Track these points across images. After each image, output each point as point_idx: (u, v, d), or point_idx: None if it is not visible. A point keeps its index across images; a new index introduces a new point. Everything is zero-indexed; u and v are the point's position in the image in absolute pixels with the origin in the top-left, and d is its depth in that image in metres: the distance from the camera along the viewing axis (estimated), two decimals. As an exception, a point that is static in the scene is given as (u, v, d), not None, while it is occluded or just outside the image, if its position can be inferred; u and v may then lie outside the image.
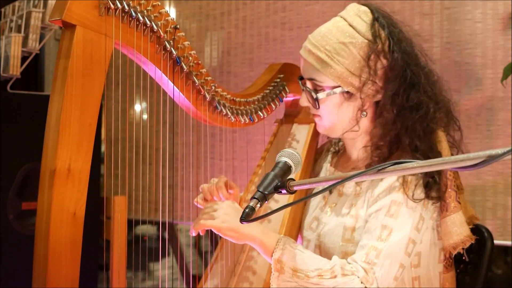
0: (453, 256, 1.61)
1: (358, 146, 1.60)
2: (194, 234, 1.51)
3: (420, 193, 1.45)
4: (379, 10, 1.56)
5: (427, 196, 1.46)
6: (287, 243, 1.44)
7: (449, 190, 1.52)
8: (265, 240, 1.45)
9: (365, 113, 1.54)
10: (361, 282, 1.37)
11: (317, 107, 1.54)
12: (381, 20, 1.53)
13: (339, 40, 1.50)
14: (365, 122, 1.56)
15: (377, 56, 1.49)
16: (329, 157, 1.74)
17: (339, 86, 1.51)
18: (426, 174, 1.46)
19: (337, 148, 1.73)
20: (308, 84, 1.56)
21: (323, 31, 1.54)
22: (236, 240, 1.47)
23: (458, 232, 1.56)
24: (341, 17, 1.55)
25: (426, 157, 1.46)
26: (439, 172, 1.48)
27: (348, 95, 1.52)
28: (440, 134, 1.55)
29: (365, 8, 1.55)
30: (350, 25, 1.51)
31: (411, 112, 1.51)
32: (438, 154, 1.51)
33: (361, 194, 1.52)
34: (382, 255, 1.39)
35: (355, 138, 1.60)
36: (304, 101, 1.58)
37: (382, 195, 1.46)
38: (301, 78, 1.61)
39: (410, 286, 1.52)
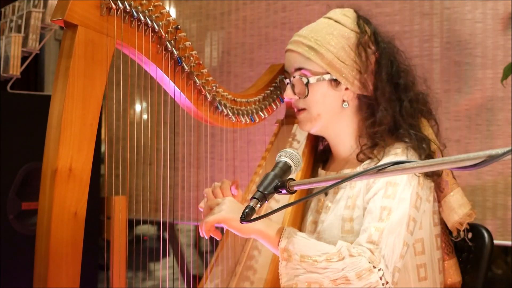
0: (454, 236, 1.65)
1: (344, 141, 1.64)
2: (206, 237, 1.50)
3: None
4: (360, 12, 1.66)
5: (427, 175, 1.52)
6: (292, 232, 1.46)
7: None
8: (269, 232, 1.46)
9: (346, 103, 1.60)
10: (369, 262, 1.38)
11: (307, 93, 1.58)
12: (363, 17, 1.64)
13: (327, 32, 1.59)
14: (349, 114, 1.61)
15: (365, 46, 1.57)
16: (320, 164, 1.77)
17: (328, 73, 1.57)
18: (420, 149, 1.53)
19: (325, 157, 1.77)
20: (296, 74, 1.60)
21: (311, 26, 1.64)
22: (242, 233, 1.48)
23: (462, 206, 1.60)
24: (327, 17, 1.65)
25: (412, 136, 1.55)
26: (431, 149, 1.56)
27: (336, 83, 1.58)
28: (424, 121, 1.64)
29: (348, 9, 1.65)
30: (337, 21, 1.61)
31: (400, 100, 1.60)
32: (426, 138, 1.58)
33: (356, 185, 1.55)
34: (385, 234, 1.41)
35: (340, 132, 1.63)
36: (289, 94, 1.63)
37: (377, 179, 1.48)
38: (283, 78, 1.67)
39: (415, 274, 1.53)
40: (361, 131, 1.61)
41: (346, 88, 1.58)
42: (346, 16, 1.62)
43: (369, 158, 1.57)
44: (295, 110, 1.66)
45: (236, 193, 1.61)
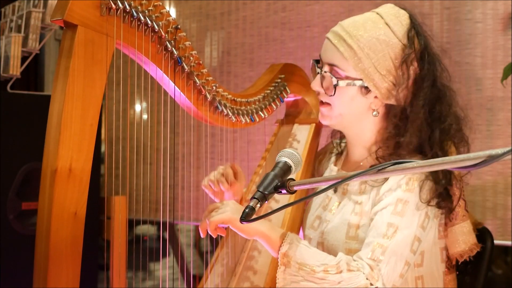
0: (453, 263, 1.62)
1: (361, 144, 1.59)
2: (214, 235, 1.49)
3: (428, 196, 1.45)
4: (416, 18, 1.55)
5: (439, 206, 1.48)
6: (294, 238, 1.45)
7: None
8: (272, 235, 1.45)
9: (376, 112, 1.53)
10: (367, 279, 1.37)
11: (333, 93, 1.51)
12: (417, 28, 1.53)
13: (373, 35, 1.49)
14: (374, 121, 1.55)
15: (409, 61, 1.48)
16: (332, 158, 1.73)
17: (360, 80, 1.49)
18: (438, 184, 1.47)
19: (340, 149, 1.73)
20: (327, 68, 1.53)
21: (358, 21, 1.52)
22: (246, 234, 1.47)
23: (466, 240, 1.58)
24: (378, 14, 1.53)
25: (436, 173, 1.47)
26: (450, 183, 1.49)
27: (366, 90, 1.51)
28: (452, 146, 1.56)
29: (404, 12, 1.54)
30: (387, 24, 1.50)
31: (432, 127, 1.51)
32: (448, 174, 1.50)
33: (365, 192, 1.52)
34: (388, 252, 1.39)
35: (359, 134, 1.58)
36: (317, 85, 1.55)
37: (388, 193, 1.46)
38: (317, 62, 1.58)
39: (414, 286, 1.52)
40: (381, 140, 1.55)
41: (376, 96, 1.51)
42: (399, 21, 1.50)
43: None
44: (319, 100, 1.59)
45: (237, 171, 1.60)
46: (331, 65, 1.52)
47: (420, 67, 1.51)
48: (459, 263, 1.66)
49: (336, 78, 1.50)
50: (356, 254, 1.43)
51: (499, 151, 0.86)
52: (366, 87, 1.50)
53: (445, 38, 2.35)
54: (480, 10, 2.29)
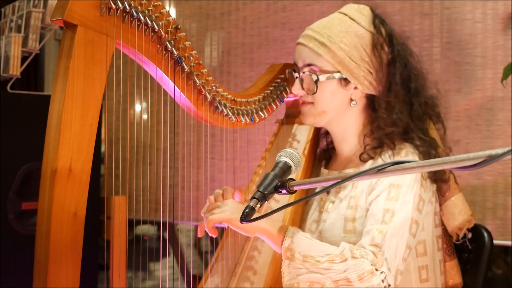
0: (454, 240, 1.65)
1: (348, 139, 1.63)
2: (201, 234, 1.51)
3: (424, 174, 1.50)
4: (376, 9, 1.63)
5: (433, 180, 1.52)
6: (295, 232, 1.46)
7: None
8: (273, 230, 1.46)
9: (354, 102, 1.58)
10: (371, 264, 1.38)
11: (316, 90, 1.56)
12: (379, 17, 1.61)
13: (341, 29, 1.56)
14: (356, 113, 1.60)
15: (379, 47, 1.55)
16: (323, 163, 1.76)
17: (338, 72, 1.55)
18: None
19: (328, 155, 1.76)
20: (305, 69, 1.59)
21: (325, 21, 1.60)
22: (246, 232, 1.48)
23: (462, 211, 1.61)
24: (341, 12, 1.61)
25: (422, 141, 1.55)
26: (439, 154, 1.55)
27: (345, 82, 1.56)
28: (431, 124, 1.64)
29: (364, 6, 1.61)
30: (352, 18, 1.57)
31: (411, 103, 1.58)
32: (433, 140, 1.58)
33: (358, 185, 1.54)
34: (388, 237, 1.41)
35: (345, 129, 1.63)
36: (297, 88, 1.61)
37: (380, 181, 1.48)
38: (292, 71, 1.64)
39: (418, 276, 1.53)
40: (366, 131, 1.60)
41: (355, 87, 1.57)
42: (361, 14, 1.58)
43: (372, 158, 1.56)
44: (300, 102, 1.65)
45: (238, 199, 1.61)
46: (307, 65, 1.58)
47: (390, 50, 1.57)
48: (459, 262, 1.67)
49: (316, 75, 1.56)
50: (357, 243, 1.44)
51: (499, 151, 0.86)
52: (345, 79, 1.56)
53: (445, 38, 2.35)
54: (480, 10, 2.29)
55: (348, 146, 1.64)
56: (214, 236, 1.54)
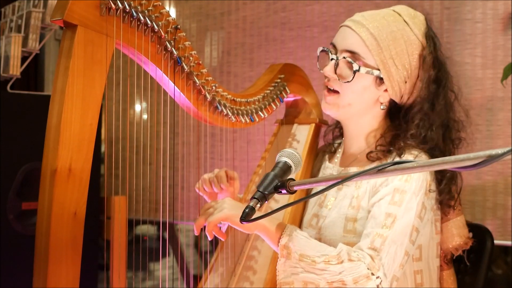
0: (449, 257, 1.64)
1: (360, 137, 1.61)
2: (210, 238, 1.50)
3: (431, 186, 1.49)
4: (429, 23, 1.59)
5: (440, 202, 1.52)
6: (294, 230, 1.45)
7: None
8: (272, 227, 1.45)
9: (384, 106, 1.56)
10: (368, 268, 1.37)
11: (351, 79, 1.51)
12: (432, 31, 1.57)
13: (393, 29, 1.52)
14: (377, 114, 1.58)
15: (425, 61, 1.53)
16: (326, 157, 1.74)
17: (378, 70, 1.51)
18: (439, 181, 1.51)
19: (333, 149, 1.74)
20: (346, 55, 1.53)
21: (379, 14, 1.55)
22: (245, 229, 1.47)
23: (461, 233, 1.60)
24: (395, 11, 1.56)
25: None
26: (451, 180, 1.53)
27: (380, 81, 1.53)
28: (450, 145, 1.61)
29: (420, 14, 1.58)
30: (405, 22, 1.53)
31: (447, 125, 1.57)
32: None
33: (361, 186, 1.53)
34: (388, 242, 1.40)
35: (360, 127, 1.60)
36: (330, 71, 1.55)
37: (384, 184, 1.47)
38: (327, 50, 1.58)
39: (412, 280, 1.53)
40: (383, 134, 1.57)
41: (385, 90, 1.54)
42: (417, 20, 1.55)
43: (380, 159, 1.54)
44: (325, 90, 1.59)
45: (231, 182, 1.60)
46: (351, 52, 1.53)
47: (433, 69, 1.54)
48: (459, 262, 1.67)
49: (358, 64, 1.51)
50: (356, 245, 1.43)
51: (499, 151, 0.86)
52: (381, 78, 1.52)
53: (445, 38, 2.34)
54: (480, 10, 2.29)
55: (357, 143, 1.62)
56: (223, 240, 1.54)
